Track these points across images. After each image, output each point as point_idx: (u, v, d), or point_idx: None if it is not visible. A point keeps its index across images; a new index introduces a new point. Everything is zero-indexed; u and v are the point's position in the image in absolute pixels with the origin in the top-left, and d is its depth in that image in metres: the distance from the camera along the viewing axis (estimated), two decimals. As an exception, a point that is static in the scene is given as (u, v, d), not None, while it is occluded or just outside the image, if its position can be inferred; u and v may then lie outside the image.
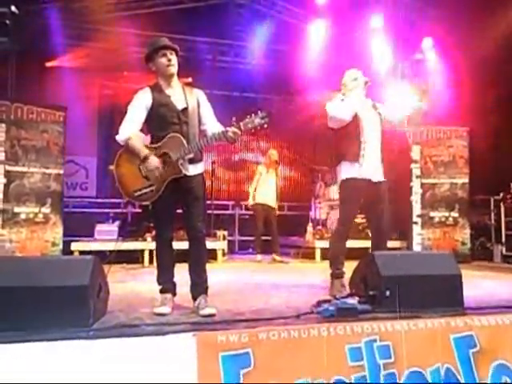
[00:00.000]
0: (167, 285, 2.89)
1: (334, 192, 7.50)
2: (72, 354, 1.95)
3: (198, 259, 2.87)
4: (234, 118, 2.75)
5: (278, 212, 6.74)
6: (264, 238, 6.68)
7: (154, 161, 2.71)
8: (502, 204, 6.76)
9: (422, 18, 7.28)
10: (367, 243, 3.76)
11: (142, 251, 5.89)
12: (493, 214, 6.94)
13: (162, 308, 2.71)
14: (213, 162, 7.52)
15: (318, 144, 9.48)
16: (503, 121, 6.73)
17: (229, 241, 7.11)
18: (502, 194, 6.78)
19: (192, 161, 2.81)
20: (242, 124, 2.74)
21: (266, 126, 2.76)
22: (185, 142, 2.75)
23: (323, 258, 6.48)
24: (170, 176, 2.75)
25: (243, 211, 8.71)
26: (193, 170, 2.83)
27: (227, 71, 8.69)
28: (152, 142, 2.83)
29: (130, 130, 2.79)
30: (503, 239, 6.67)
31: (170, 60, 2.80)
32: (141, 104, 2.81)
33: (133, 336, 2.09)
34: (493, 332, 2.41)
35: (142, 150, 2.74)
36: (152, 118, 2.83)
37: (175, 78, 2.89)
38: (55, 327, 2.11)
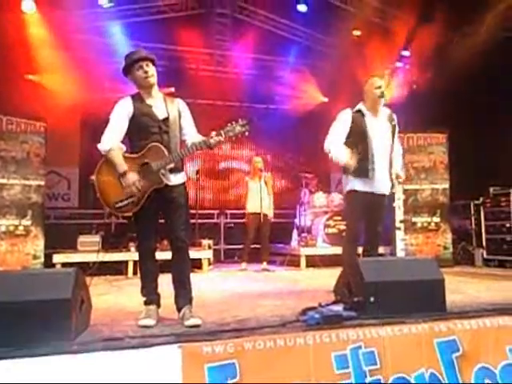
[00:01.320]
0: (151, 296, 2.85)
1: (318, 199, 7.54)
2: (54, 369, 1.91)
3: (182, 269, 2.84)
4: (212, 133, 2.75)
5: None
6: (253, 246, 6.60)
7: (133, 177, 2.69)
8: (481, 208, 6.90)
9: (401, 27, 7.44)
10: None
11: (126, 262, 5.80)
12: (473, 219, 7.08)
13: (147, 320, 2.66)
14: (197, 171, 7.48)
15: (303, 152, 9.56)
16: (481, 126, 6.90)
17: (214, 250, 7.06)
18: (481, 199, 6.93)
19: (173, 170, 2.80)
20: (222, 132, 2.76)
21: (246, 133, 2.78)
22: (166, 151, 2.75)
23: (308, 265, 6.51)
24: (152, 186, 2.73)
25: (228, 220, 8.69)
26: (174, 179, 2.82)
27: (210, 80, 8.72)
28: (132, 152, 2.81)
29: (112, 139, 2.77)
30: (484, 243, 6.79)
31: (146, 72, 2.80)
32: (122, 113, 2.80)
33: (117, 349, 2.05)
34: (475, 335, 2.44)
35: (121, 164, 2.71)
36: (133, 128, 2.81)
37: (155, 87, 2.89)
38: (37, 342, 2.06)
